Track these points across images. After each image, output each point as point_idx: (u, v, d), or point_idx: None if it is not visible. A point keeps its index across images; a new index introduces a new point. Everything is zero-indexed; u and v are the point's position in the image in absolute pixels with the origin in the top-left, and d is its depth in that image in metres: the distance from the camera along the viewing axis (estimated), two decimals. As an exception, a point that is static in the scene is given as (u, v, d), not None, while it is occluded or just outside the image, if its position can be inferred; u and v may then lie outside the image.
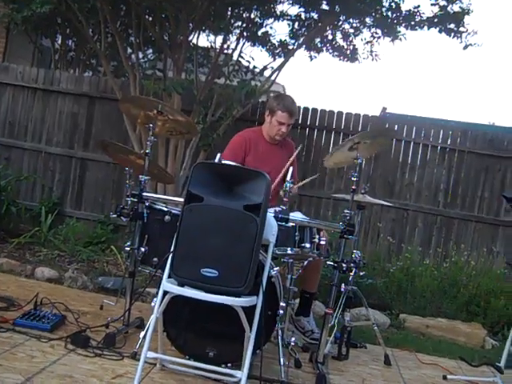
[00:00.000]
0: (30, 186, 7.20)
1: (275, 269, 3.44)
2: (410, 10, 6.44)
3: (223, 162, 3.53)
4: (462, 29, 6.42)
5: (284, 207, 3.40)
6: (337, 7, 6.45)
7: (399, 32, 6.71)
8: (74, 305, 4.36)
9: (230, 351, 3.24)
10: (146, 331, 3.12)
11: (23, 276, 5.19)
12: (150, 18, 6.81)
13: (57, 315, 3.87)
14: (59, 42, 9.03)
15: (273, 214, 3.29)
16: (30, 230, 6.36)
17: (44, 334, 3.60)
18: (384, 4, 6.41)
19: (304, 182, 4.53)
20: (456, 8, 6.30)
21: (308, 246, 3.86)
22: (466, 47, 6.47)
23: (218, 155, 3.46)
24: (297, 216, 3.90)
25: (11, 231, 6.42)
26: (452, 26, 6.42)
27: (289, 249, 3.80)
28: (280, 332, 3.47)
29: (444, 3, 6.28)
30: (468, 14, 6.32)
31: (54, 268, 5.42)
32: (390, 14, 6.48)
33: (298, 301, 4.47)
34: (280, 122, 4.31)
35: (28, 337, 3.53)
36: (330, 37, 7.32)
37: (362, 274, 4.11)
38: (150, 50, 7.92)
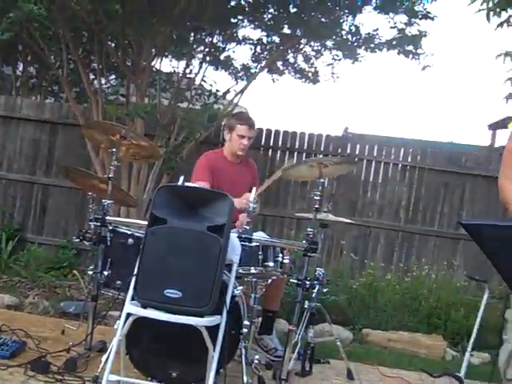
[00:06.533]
0: (-11, 213, 7.10)
1: (239, 288, 3.47)
2: (369, 33, 6.66)
3: (196, 184, 3.56)
4: (419, 51, 6.64)
5: (247, 227, 3.48)
6: (298, 31, 6.62)
7: (359, 54, 6.93)
8: (34, 331, 4.27)
9: (194, 371, 3.22)
10: (108, 354, 3.07)
11: (-19, 304, 5.07)
12: (113, 44, 6.83)
13: (16, 342, 3.82)
14: (20, 68, 8.97)
15: (236, 235, 3.34)
16: (-11, 257, 6.26)
17: (3, 362, 3.55)
18: (344, 28, 6.65)
19: (266, 184, 4.55)
20: (414, 31, 6.51)
21: (271, 264, 3.87)
22: (424, 68, 6.70)
23: (182, 178, 3.43)
24: (260, 236, 3.94)
25: (-32, 259, 6.32)
26: (410, 47, 6.63)
27: (252, 268, 3.81)
28: (244, 350, 3.47)
29: (402, 26, 6.50)
30: (425, 36, 6.53)
31: (14, 295, 5.32)
32: (350, 37, 6.69)
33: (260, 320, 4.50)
34: (240, 135, 4.39)
35: (-14, 365, 3.46)
36: (292, 60, 7.49)
37: (325, 290, 4.20)
38: (113, 76, 7.94)
